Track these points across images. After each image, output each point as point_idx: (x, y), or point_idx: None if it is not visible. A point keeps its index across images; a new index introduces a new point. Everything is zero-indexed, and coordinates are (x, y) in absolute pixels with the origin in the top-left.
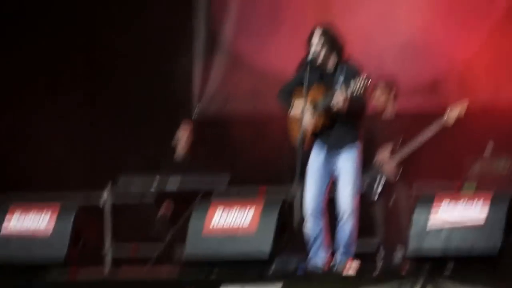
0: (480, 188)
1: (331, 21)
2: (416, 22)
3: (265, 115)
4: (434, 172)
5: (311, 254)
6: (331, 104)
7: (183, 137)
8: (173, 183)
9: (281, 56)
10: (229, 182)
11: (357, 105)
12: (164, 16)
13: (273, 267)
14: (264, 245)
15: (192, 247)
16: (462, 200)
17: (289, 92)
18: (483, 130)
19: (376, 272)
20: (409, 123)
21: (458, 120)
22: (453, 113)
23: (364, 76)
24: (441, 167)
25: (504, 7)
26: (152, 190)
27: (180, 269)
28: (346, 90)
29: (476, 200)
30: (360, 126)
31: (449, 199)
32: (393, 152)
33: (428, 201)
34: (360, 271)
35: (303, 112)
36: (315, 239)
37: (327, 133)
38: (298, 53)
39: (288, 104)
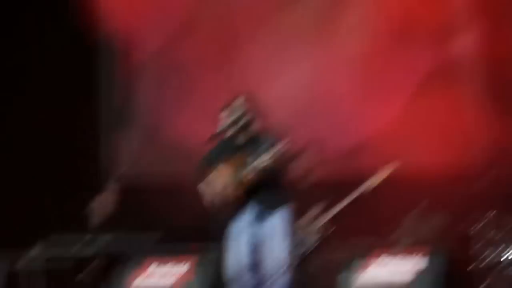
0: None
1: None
2: (336, 90)
3: (181, 183)
4: (367, 230)
5: None
6: (242, 179)
7: (102, 203)
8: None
9: (193, 127)
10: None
11: (272, 174)
12: (68, 99)
13: None
14: None
15: None
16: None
17: (208, 162)
18: (410, 194)
19: None
20: (332, 187)
21: (385, 183)
22: (376, 178)
23: (281, 144)
24: (375, 225)
25: (420, 78)
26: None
27: None
28: (255, 166)
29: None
30: (287, 189)
31: (383, 256)
32: (315, 217)
33: (354, 264)
34: None
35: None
36: None
37: (253, 199)
38: (210, 123)
39: (197, 177)
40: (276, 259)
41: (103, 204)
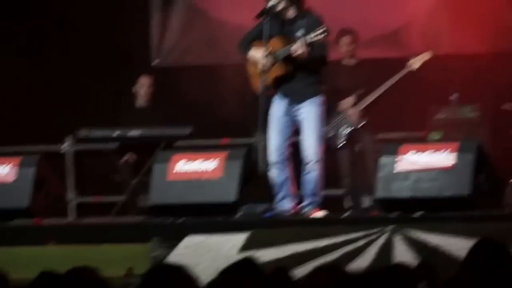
0: (446, 137)
1: None
2: None
3: (224, 64)
4: (399, 123)
5: (277, 202)
6: (291, 52)
7: (142, 88)
8: (135, 134)
9: (238, 6)
10: (191, 133)
11: (317, 55)
12: None
13: (239, 214)
14: (230, 190)
15: (156, 193)
16: (428, 149)
17: (249, 42)
18: (448, 80)
19: (344, 217)
20: (372, 71)
21: (422, 69)
22: (417, 60)
23: (324, 27)
24: (406, 117)
25: None
26: (115, 134)
27: (144, 217)
28: (306, 39)
29: (443, 149)
30: (321, 80)
31: (414, 149)
32: (357, 99)
33: (395, 147)
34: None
35: (264, 61)
36: (281, 187)
37: (287, 85)
38: (255, 2)
39: (248, 53)
40: (313, 146)
41: (140, 92)
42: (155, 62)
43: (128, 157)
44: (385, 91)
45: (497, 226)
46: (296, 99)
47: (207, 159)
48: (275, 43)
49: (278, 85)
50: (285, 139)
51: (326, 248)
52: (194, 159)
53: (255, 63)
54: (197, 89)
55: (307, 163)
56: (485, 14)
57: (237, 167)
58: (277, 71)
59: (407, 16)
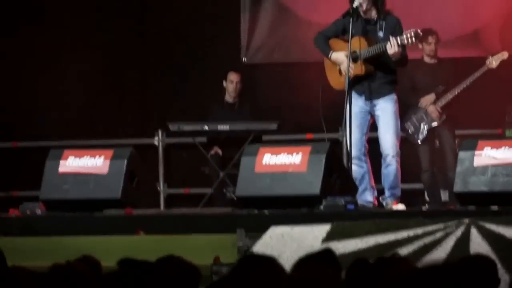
0: None
1: None
2: None
3: (310, 62)
4: (477, 120)
5: (358, 195)
6: (381, 52)
7: (231, 84)
8: (224, 128)
9: (324, 5)
10: (277, 128)
11: (404, 55)
12: None
13: (322, 206)
14: (314, 183)
15: (243, 186)
16: (505, 145)
17: (326, 39)
18: None
19: (424, 209)
20: (452, 69)
21: (500, 68)
22: (495, 59)
23: (417, 30)
24: (483, 115)
25: None
26: (205, 128)
27: (232, 207)
28: (400, 40)
29: None
30: (396, 78)
31: (491, 145)
32: (437, 97)
33: (473, 143)
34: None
35: (348, 59)
36: (361, 181)
37: (365, 83)
38: (340, 2)
39: (324, 49)
40: (391, 140)
41: (229, 88)
42: (244, 59)
43: (216, 150)
44: (464, 89)
45: None
46: (373, 96)
47: (293, 153)
48: (358, 43)
49: (356, 83)
50: (363, 134)
51: (406, 239)
52: (280, 153)
53: (336, 60)
54: (283, 86)
55: (386, 157)
56: None
57: (321, 161)
58: (358, 69)
59: (486, 17)
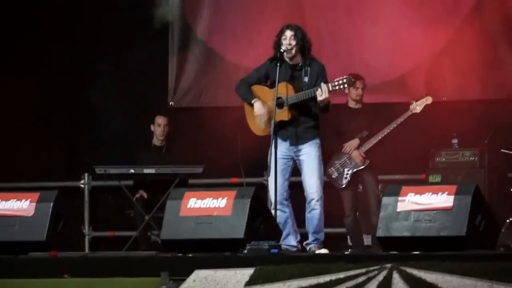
0: (445, 180)
1: (302, 20)
2: (384, 19)
3: (238, 107)
4: (401, 165)
5: (282, 239)
6: (308, 98)
7: (158, 128)
8: (150, 171)
9: (252, 50)
10: (203, 172)
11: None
12: (140, 10)
13: (246, 250)
14: (238, 227)
15: (168, 229)
16: (428, 191)
17: (248, 85)
18: (449, 124)
19: (346, 254)
20: (376, 114)
21: (424, 113)
22: (419, 104)
23: (349, 76)
24: (407, 160)
25: (470, 6)
26: (131, 171)
27: (156, 251)
28: (330, 86)
29: (442, 191)
30: (319, 123)
31: (414, 191)
32: (361, 142)
33: (397, 188)
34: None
35: (273, 106)
36: (284, 225)
37: (289, 128)
38: (268, 47)
39: (246, 96)
40: (314, 184)
41: (156, 131)
42: (171, 103)
43: (142, 193)
44: (388, 134)
45: (492, 266)
46: (297, 141)
47: (218, 197)
48: (285, 89)
49: (281, 128)
50: (285, 180)
51: (328, 284)
52: (206, 197)
53: (256, 111)
54: (210, 130)
55: (310, 201)
56: (487, 61)
57: (245, 205)
58: (284, 115)
59: (412, 63)
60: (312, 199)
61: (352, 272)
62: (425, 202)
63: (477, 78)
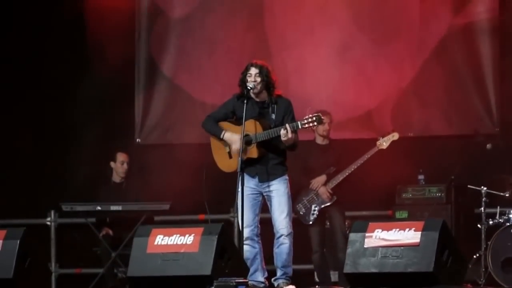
0: (412, 216)
1: (268, 57)
2: (351, 56)
3: (206, 143)
4: (366, 201)
5: (249, 275)
6: (275, 137)
7: (120, 165)
8: (116, 209)
9: (218, 87)
10: (169, 209)
11: (295, 141)
12: (108, 46)
13: (213, 287)
14: (205, 264)
15: (135, 266)
16: (395, 227)
17: (215, 121)
18: (415, 159)
19: None
20: (343, 150)
21: (390, 150)
22: (385, 140)
23: (318, 114)
24: (374, 196)
25: (436, 43)
26: (98, 208)
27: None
28: (298, 125)
29: (409, 227)
30: (286, 159)
31: (381, 227)
32: (329, 177)
33: (364, 225)
34: None
35: (240, 143)
36: (253, 261)
37: (257, 165)
38: (233, 83)
39: (215, 130)
40: (284, 220)
41: (118, 168)
42: (138, 140)
43: (108, 230)
44: (355, 170)
45: None
46: (265, 178)
47: (185, 234)
48: (253, 126)
49: (249, 165)
50: (256, 215)
51: None
52: (173, 234)
53: (229, 140)
54: (176, 166)
55: (279, 237)
56: (452, 97)
57: (212, 241)
58: (253, 152)
59: (378, 99)
60: (282, 235)
61: None
62: (392, 238)
63: (443, 114)
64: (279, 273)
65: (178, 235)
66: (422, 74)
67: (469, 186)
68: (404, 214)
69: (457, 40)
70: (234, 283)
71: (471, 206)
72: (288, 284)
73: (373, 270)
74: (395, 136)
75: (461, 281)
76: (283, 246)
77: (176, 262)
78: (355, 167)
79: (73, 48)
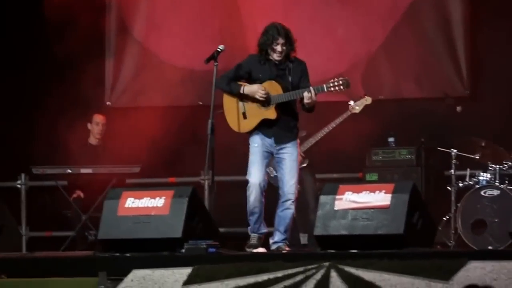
0: (382, 178)
1: (239, 21)
2: (321, 19)
3: (176, 106)
4: (338, 164)
5: (251, 226)
6: (295, 98)
7: (96, 127)
8: (87, 171)
9: (188, 50)
10: (140, 171)
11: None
12: (78, 14)
13: (184, 249)
14: (176, 227)
15: (106, 229)
16: (365, 190)
17: (229, 80)
18: (385, 123)
19: (284, 252)
20: (315, 113)
21: (361, 113)
22: (358, 105)
23: (345, 79)
24: (344, 159)
25: (406, 6)
26: (68, 171)
27: (94, 251)
28: (324, 88)
29: (379, 189)
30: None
31: (352, 189)
32: (301, 141)
33: (334, 187)
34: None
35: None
36: (258, 213)
37: (274, 127)
38: (203, 47)
39: (231, 88)
40: (293, 186)
41: (93, 131)
42: (109, 103)
43: (79, 193)
44: (326, 134)
45: (429, 264)
46: (281, 140)
47: (155, 196)
48: (270, 87)
49: (265, 125)
50: (265, 171)
51: (266, 282)
52: (143, 197)
53: (250, 92)
54: (147, 129)
55: (286, 201)
56: (423, 60)
57: (183, 204)
58: (270, 113)
59: (349, 62)
60: (289, 199)
61: (290, 271)
62: (362, 201)
63: (413, 77)
64: (279, 237)
65: (149, 198)
66: (393, 37)
67: (439, 148)
68: (374, 177)
69: (428, 3)
70: (205, 246)
71: (441, 169)
72: (286, 247)
73: (343, 232)
74: (368, 100)
75: (431, 243)
76: (288, 211)
77: (146, 224)
78: (328, 130)
79: (42, 13)
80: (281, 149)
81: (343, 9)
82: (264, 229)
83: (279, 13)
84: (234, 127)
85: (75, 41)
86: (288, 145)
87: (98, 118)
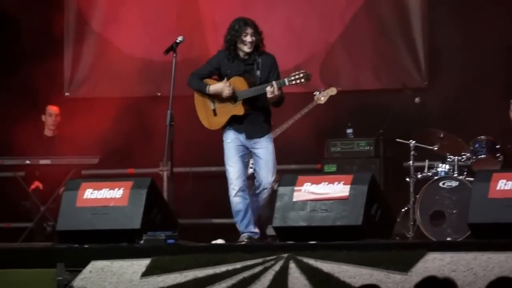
0: (341, 170)
1: (197, 11)
2: (279, 9)
3: (134, 96)
4: (296, 155)
5: (241, 227)
6: (260, 93)
7: (50, 118)
8: (45, 162)
9: (147, 41)
10: (99, 163)
11: (281, 97)
12: (35, 6)
13: (142, 241)
14: (135, 218)
15: (64, 220)
16: (324, 181)
17: (200, 78)
18: (344, 114)
19: (242, 243)
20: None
21: (319, 105)
22: (323, 95)
23: (305, 72)
24: (303, 150)
25: (362, 1)
26: (26, 162)
27: (52, 242)
28: (285, 82)
29: (338, 181)
30: (271, 116)
31: (311, 180)
32: None
33: (293, 178)
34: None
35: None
36: (245, 212)
37: (244, 122)
38: (162, 37)
39: (200, 87)
40: (269, 181)
41: (48, 122)
42: (67, 93)
43: (37, 184)
44: (292, 124)
45: (388, 255)
46: (252, 135)
47: (114, 187)
48: (237, 83)
49: (235, 121)
50: (244, 167)
51: (225, 274)
52: (102, 188)
53: (215, 91)
54: (106, 120)
55: (263, 190)
56: (381, 52)
57: (142, 195)
58: (238, 109)
59: (307, 53)
60: (266, 189)
61: (249, 262)
62: (321, 192)
63: (371, 68)
64: (251, 228)
65: (108, 189)
66: (351, 28)
67: (397, 139)
68: (333, 168)
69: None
70: (164, 237)
71: (399, 160)
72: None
73: (302, 223)
74: (333, 90)
75: (389, 235)
76: (262, 195)
77: (105, 215)
78: (293, 121)
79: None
80: (254, 143)
81: (301, 0)
82: (255, 229)
83: (237, 4)
84: (206, 124)
85: (32, 33)
86: (261, 139)
87: (52, 110)
